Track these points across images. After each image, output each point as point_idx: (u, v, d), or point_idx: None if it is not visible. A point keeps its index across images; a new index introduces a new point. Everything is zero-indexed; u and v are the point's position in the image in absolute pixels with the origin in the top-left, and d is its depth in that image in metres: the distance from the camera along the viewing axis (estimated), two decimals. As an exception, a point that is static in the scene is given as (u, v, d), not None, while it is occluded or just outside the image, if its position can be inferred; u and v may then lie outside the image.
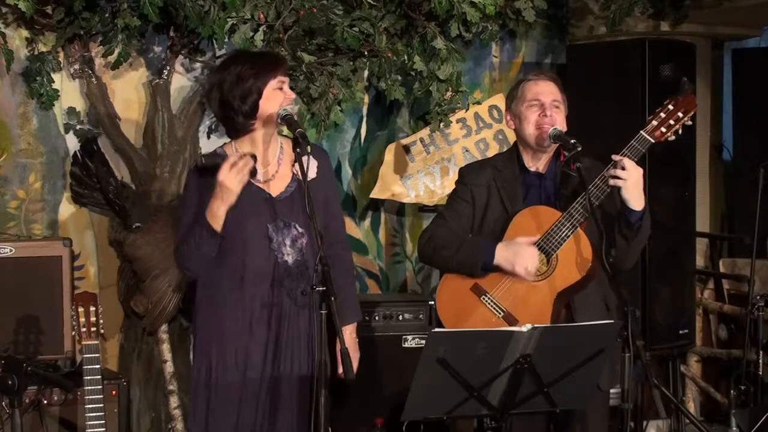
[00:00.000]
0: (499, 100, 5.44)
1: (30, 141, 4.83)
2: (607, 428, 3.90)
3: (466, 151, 5.45)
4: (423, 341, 4.70)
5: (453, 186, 4.03)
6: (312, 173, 3.72)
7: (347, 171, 5.43)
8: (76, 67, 4.83)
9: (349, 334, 3.81)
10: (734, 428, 4.74)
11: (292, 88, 3.77)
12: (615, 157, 3.64)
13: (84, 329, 3.76)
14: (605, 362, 3.37)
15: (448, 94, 5.14)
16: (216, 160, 3.61)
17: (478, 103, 5.44)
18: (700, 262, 5.82)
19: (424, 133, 5.42)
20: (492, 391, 3.23)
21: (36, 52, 4.74)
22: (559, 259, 3.70)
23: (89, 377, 3.76)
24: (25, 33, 4.74)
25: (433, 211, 5.29)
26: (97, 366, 3.76)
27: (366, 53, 5.02)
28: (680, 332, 5.41)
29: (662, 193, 5.16)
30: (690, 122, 3.72)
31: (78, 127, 4.88)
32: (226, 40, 4.72)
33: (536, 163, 3.86)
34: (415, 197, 5.42)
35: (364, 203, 5.49)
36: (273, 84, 3.63)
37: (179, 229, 3.73)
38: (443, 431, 4.76)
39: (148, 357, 4.87)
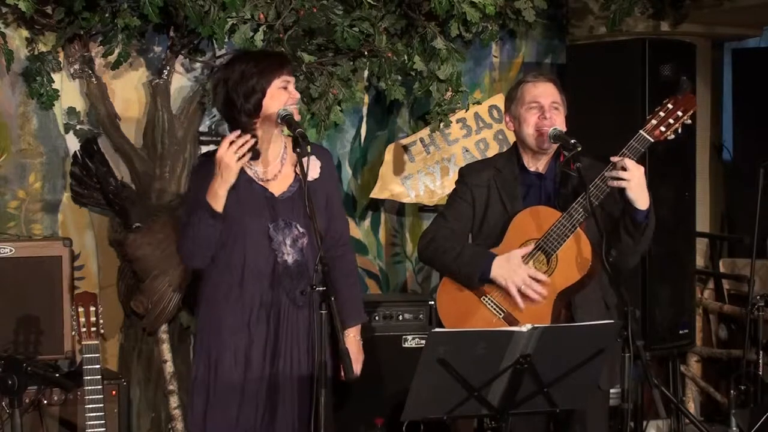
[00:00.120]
0: (499, 100, 5.44)
1: (30, 141, 4.83)
2: (607, 428, 3.90)
3: (466, 151, 5.45)
4: (423, 341, 4.70)
5: (453, 186, 4.03)
6: (315, 173, 3.73)
7: (347, 171, 5.43)
8: (76, 67, 4.83)
9: (352, 336, 3.82)
10: (734, 428, 4.75)
11: None
12: (614, 159, 3.63)
13: (84, 329, 3.76)
14: (605, 362, 3.37)
15: (448, 94, 5.14)
16: (214, 138, 3.62)
17: (478, 103, 5.44)
18: (700, 262, 5.82)
19: (424, 133, 5.42)
20: (492, 391, 3.23)
21: (36, 52, 4.74)
22: (559, 258, 3.70)
23: (89, 377, 3.76)
24: (25, 33, 4.74)
25: (433, 211, 5.29)
26: (97, 366, 3.76)
27: (366, 53, 5.02)
28: (680, 332, 5.41)
29: (662, 193, 5.16)
30: (689, 121, 3.71)
31: (78, 127, 4.88)
32: (226, 40, 4.72)
33: (536, 164, 3.86)
34: (415, 197, 5.42)
35: (364, 203, 5.49)
36: (277, 83, 3.64)
37: (182, 218, 3.74)
38: (443, 431, 4.76)
39: (148, 357, 4.87)
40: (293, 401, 3.67)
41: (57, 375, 4.24)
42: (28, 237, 4.76)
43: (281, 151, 3.74)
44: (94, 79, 4.85)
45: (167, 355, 4.78)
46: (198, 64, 5.01)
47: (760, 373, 5.06)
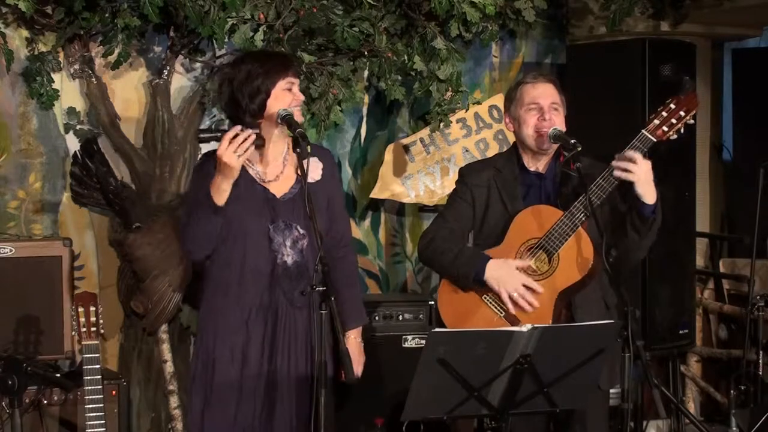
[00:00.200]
0: (499, 100, 5.44)
1: (30, 141, 4.83)
2: (607, 428, 3.90)
3: (466, 151, 5.45)
4: (423, 341, 4.70)
5: (453, 186, 4.03)
6: (317, 175, 3.75)
7: (347, 171, 5.43)
8: (76, 67, 4.83)
9: (353, 338, 3.82)
10: (734, 428, 4.75)
11: None
12: (619, 157, 3.63)
13: (84, 329, 3.76)
14: (605, 362, 3.37)
15: (448, 94, 5.14)
16: (214, 135, 3.63)
17: (478, 103, 5.44)
18: (700, 262, 5.82)
19: (424, 133, 5.42)
20: (492, 391, 3.23)
21: (36, 52, 4.74)
22: (561, 258, 3.70)
23: (89, 377, 3.76)
24: (25, 33, 4.74)
25: (433, 211, 5.29)
26: (97, 366, 3.76)
27: (366, 53, 5.02)
28: (680, 332, 5.41)
29: (662, 193, 5.13)
30: (692, 121, 3.71)
31: (78, 127, 4.88)
32: (226, 40, 4.72)
33: (536, 163, 3.86)
34: (415, 197, 5.42)
35: (364, 203, 5.49)
36: (282, 84, 3.65)
37: (182, 217, 3.75)
38: (443, 431, 4.76)
39: (148, 357, 4.88)
40: (291, 400, 3.67)
41: (57, 375, 4.24)
42: (28, 237, 4.76)
43: (283, 152, 3.74)
44: (94, 79, 4.85)
45: (167, 355, 4.78)
46: (198, 64, 5.01)
47: (760, 373, 5.06)
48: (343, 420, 4.34)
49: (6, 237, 4.64)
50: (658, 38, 5.48)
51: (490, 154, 5.32)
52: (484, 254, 3.76)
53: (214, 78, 4.93)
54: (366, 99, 5.40)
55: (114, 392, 4.35)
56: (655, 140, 3.66)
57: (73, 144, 4.86)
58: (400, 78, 5.12)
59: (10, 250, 4.43)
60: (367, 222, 5.51)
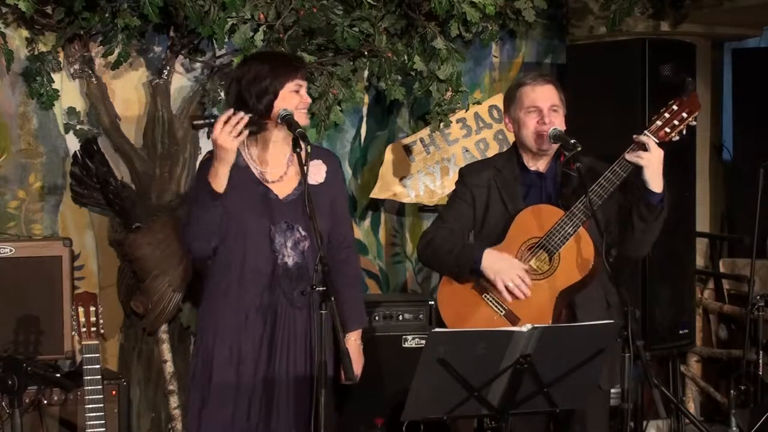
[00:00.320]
0: (498, 100, 5.43)
1: (30, 141, 4.83)
2: (607, 428, 3.90)
3: (466, 151, 5.45)
4: (423, 341, 4.69)
5: (453, 186, 4.03)
6: (320, 177, 3.76)
7: (347, 171, 5.42)
8: (76, 67, 4.83)
9: (353, 340, 3.83)
10: (734, 428, 4.74)
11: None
12: (637, 138, 3.63)
13: (84, 329, 3.76)
14: (605, 362, 3.37)
15: (448, 94, 5.14)
16: (208, 120, 3.64)
17: (478, 103, 5.44)
18: (700, 262, 5.82)
19: (424, 133, 5.42)
20: (492, 391, 3.24)
21: (36, 52, 4.74)
22: (562, 258, 3.70)
23: (89, 377, 3.75)
24: (25, 33, 4.74)
25: (433, 211, 5.29)
26: (97, 366, 3.76)
27: (366, 53, 5.02)
28: (680, 332, 5.41)
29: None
30: (694, 123, 3.72)
31: (78, 127, 4.88)
32: (226, 40, 4.72)
33: (536, 163, 3.86)
34: (415, 197, 5.42)
35: (364, 203, 5.49)
36: (290, 86, 3.66)
37: (185, 212, 3.76)
38: (443, 431, 4.76)
39: (148, 357, 4.88)
40: (289, 400, 3.67)
41: (57, 375, 4.24)
42: (28, 237, 4.76)
43: (287, 154, 3.74)
44: (94, 79, 4.85)
45: (167, 355, 4.78)
46: (198, 64, 5.01)
47: (760, 373, 5.06)
48: (343, 420, 4.34)
49: (6, 237, 4.64)
50: (658, 38, 5.48)
51: (490, 154, 5.32)
52: (481, 246, 3.76)
53: (214, 78, 4.93)
54: (366, 99, 5.40)
55: (114, 392, 4.35)
56: (657, 141, 3.66)
57: (73, 144, 4.86)
58: (400, 78, 5.12)
59: (10, 250, 4.43)
60: (367, 222, 5.51)
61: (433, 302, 4.93)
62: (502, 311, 3.75)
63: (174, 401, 4.77)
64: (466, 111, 5.39)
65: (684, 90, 3.72)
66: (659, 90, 5.05)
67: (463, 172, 3.99)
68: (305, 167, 3.48)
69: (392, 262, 5.57)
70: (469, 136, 5.46)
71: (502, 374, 3.20)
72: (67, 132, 4.88)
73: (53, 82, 4.76)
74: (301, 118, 3.66)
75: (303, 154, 3.48)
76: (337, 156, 4.01)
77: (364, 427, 4.82)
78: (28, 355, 4.31)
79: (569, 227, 3.67)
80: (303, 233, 3.70)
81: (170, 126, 4.89)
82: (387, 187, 5.38)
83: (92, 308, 3.78)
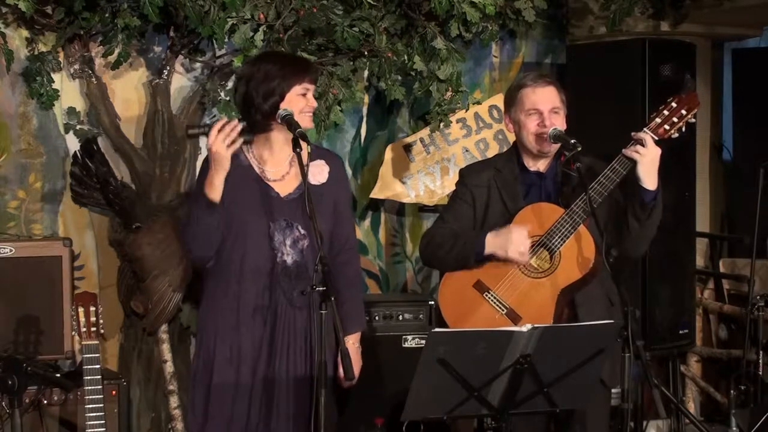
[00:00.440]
0: (498, 100, 5.43)
1: (30, 141, 4.83)
2: (608, 428, 3.90)
3: (466, 151, 5.45)
4: (423, 341, 4.69)
5: (453, 186, 4.04)
6: (323, 178, 3.77)
7: (347, 171, 5.42)
8: (76, 67, 4.83)
9: (351, 343, 3.82)
10: (734, 428, 4.74)
11: None
12: (635, 134, 3.64)
13: (84, 329, 3.76)
14: (607, 359, 3.37)
15: (448, 94, 5.14)
16: (203, 129, 3.65)
17: (478, 103, 5.44)
18: (700, 262, 5.82)
19: (424, 133, 5.42)
20: (492, 391, 3.24)
21: (36, 52, 4.74)
22: (562, 256, 3.70)
23: (89, 377, 3.75)
24: (25, 33, 4.74)
25: (433, 211, 5.29)
26: (97, 366, 3.76)
27: (366, 53, 5.02)
28: (680, 332, 5.41)
29: (662, 193, 5.15)
30: (694, 120, 3.72)
31: (78, 127, 4.88)
32: (226, 40, 4.72)
33: (536, 164, 3.87)
34: (415, 197, 5.42)
35: (364, 203, 5.49)
36: (297, 89, 3.67)
37: (185, 212, 3.77)
38: (443, 431, 4.76)
39: (148, 357, 4.87)
40: (289, 401, 3.68)
41: (57, 375, 4.24)
42: (28, 237, 4.76)
43: (291, 153, 3.75)
44: (94, 79, 4.85)
45: (167, 355, 4.78)
46: (198, 64, 5.01)
47: (760, 373, 5.06)
48: (343, 420, 4.34)
49: (6, 237, 4.64)
50: (658, 38, 5.48)
51: (490, 154, 5.32)
52: (481, 232, 3.77)
53: (214, 78, 4.93)
54: (366, 99, 5.40)
55: (114, 392, 4.36)
56: (656, 139, 3.67)
57: (73, 144, 4.86)
58: (400, 78, 5.12)
59: (10, 250, 4.43)
60: (367, 222, 5.51)
61: (433, 302, 4.93)
62: (503, 310, 3.76)
63: (174, 401, 4.77)
64: (466, 111, 5.39)
65: (683, 87, 3.73)
66: (659, 90, 5.04)
67: (463, 172, 4.00)
68: (305, 167, 3.48)
69: (392, 262, 5.57)
70: (469, 136, 5.46)
71: (502, 374, 3.20)
72: (67, 132, 4.88)
73: (53, 82, 4.76)
74: (306, 122, 3.66)
75: (303, 154, 3.49)
76: (341, 157, 4.01)
77: (364, 427, 4.82)
78: (28, 355, 4.31)
79: (569, 225, 3.67)
80: (302, 232, 3.70)
81: (170, 126, 4.89)
82: (387, 187, 5.38)
83: (92, 308, 3.78)
